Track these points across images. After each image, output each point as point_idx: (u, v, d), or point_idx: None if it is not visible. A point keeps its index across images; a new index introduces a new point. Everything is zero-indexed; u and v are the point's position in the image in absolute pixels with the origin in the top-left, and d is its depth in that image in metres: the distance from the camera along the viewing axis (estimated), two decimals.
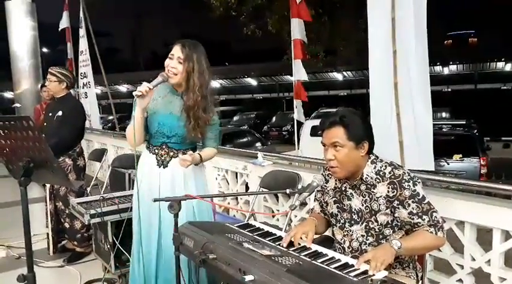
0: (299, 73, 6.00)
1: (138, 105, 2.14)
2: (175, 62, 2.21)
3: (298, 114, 6.21)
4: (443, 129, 9.09)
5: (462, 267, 2.25)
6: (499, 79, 21.69)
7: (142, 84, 2.09)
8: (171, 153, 2.31)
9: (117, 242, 2.94)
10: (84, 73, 7.66)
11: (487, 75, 22.12)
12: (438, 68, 22.09)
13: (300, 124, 8.01)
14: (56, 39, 9.31)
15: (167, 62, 2.22)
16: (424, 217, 1.70)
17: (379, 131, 2.90)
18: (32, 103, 6.20)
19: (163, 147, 2.31)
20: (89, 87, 7.71)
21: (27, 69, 8.37)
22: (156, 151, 2.33)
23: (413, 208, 1.71)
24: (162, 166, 2.32)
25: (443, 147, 7.08)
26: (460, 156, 7.56)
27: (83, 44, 7.79)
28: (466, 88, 22.17)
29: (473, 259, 2.20)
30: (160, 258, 2.33)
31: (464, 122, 10.04)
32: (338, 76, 26.47)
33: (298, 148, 7.87)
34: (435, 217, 1.71)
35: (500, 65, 21.42)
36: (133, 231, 2.46)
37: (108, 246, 3.09)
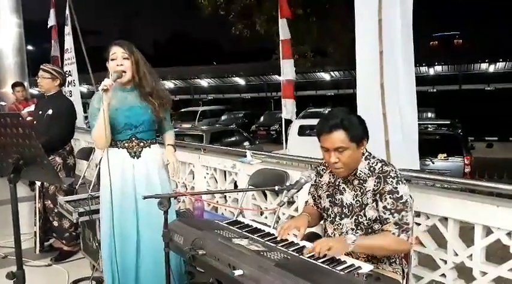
0: (288, 73, 6.06)
1: (104, 100, 2.26)
2: (120, 59, 2.35)
3: (289, 113, 6.26)
4: (429, 129, 9.24)
5: (445, 262, 2.31)
6: (483, 80, 22.07)
7: (105, 80, 2.25)
8: (141, 144, 2.43)
9: None
10: (69, 71, 7.57)
11: (471, 76, 22.49)
12: (424, 69, 22.40)
13: (288, 123, 8.08)
14: (42, 36, 9.18)
15: (112, 63, 2.36)
16: (395, 215, 1.74)
17: None
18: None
19: (133, 139, 2.42)
20: (74, 86, 7.62)
21: (12, 66, 8.30)
22: (126, 144, 2.42)
23: (388, 203, 1.76)
24: (135, 157, 2.42)
25: (428, 147, 7.21)
26: (445, 155, 7.70)
27: (68, 41, 7.70)
28: (450, 89, 22.49)
29: (456, 254, 2.26)
30: (139, 252, 2.41)
31: (449, 122, 10.21)
32: (326, 76, 26.65)
33: (286, 148, 7.92)
34: (405, 218, 1.74)
35: (484, 66, 21.81)
36: (102, 227, 2.49)
37: (97, 244, 3.09)
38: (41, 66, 3.61)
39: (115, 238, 2.38)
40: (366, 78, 2.97)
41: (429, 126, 9.94)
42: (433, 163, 7.60)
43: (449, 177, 2.73)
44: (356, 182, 1.86)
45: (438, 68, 23.00)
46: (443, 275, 2.32)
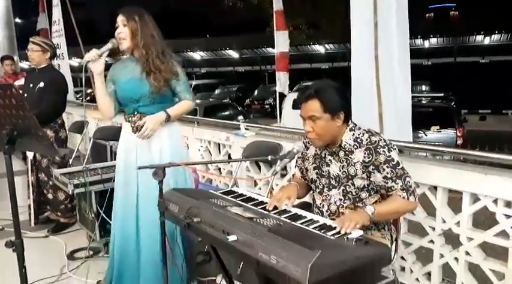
0: (281, 45, 6.01)
1: (93, 71, 2.27)
2: (120, 27, 2.31)
3: (281, 86, 6.25)
4: (422, 102, 9.28)
5: (434, 229, 2.38)
6: (478, 52, 21.96)
7: (91, 51, 2.24)
8: (143, 118, 2.35)
9: (101, 212, 3.00)
10: (58, 44, 7.40)
11: (466, 48, 22.35)
12: (419, 41, 22.21)
13: (282, 97, 8.05)
14: (30, 9, 8.97)
15: (116, 31, 2.32)
16: (397, 181, 1.79)
17: (360, 103, 2.98)
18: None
19: (135, 113, 2.38)
20: (63, 59, 7.47)
21: (1, 40, 8.14)
22: (130, 118, 2.40)
23: (387, 173, 1.79)
24: (137, 131, 2.37)
25: (421, 119, 7.24)
26: (438, 127, 7.76)
27: (57, 13, 7.52)
28: (445, 62, 22.39)
29: (444, 221, 2.33)
30: (140, 221, 2.42)
31: (442, 95, 10.23)
32: (320, 49, 26.38)
33: (280, 121, 7.93)
34: (408, 181, 1.79)
35: (479, 38, 21.66)
36: (114, 199, 2.54)
37: (93, 216, 3.14)
38: (30, 39, 3.56)
39: (118, 209, 2.47)
40: (360, 50, 2.97)
41: (423, 98, 9.97)
42: (426, 135, 7.67)
43: (441, 147, 2.77)
44: (342, 154, 1.88)
45: (433, 41, 22.80)
46: (431, 241, 2.39)
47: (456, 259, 2.29)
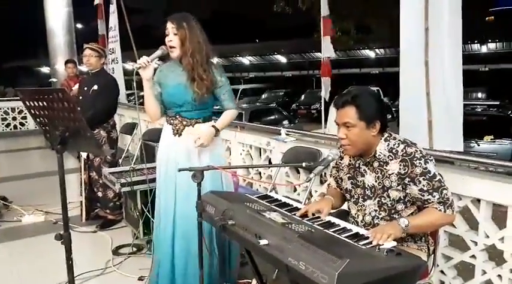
0: (327, 50, 5.99)
1: (142, 77, 2.35)
2: (171, 35, 2.36)
3: (324, 91, 6.22)
4: (477, 109, 8.87)
5: (476, 244, 2.28)
6: None
7: (142, 57, 2.31)
8: (184, 122, 2.46)
9: (145, 210, 3.12)
10: (113, 49, 7.82)
11: None
12: (476, 46, 21.22)
13: (328, 102, 7.99)
14: (90, 15, 9.49)
15: (166, 39, 2.38)
16: (434, 194, 1.73)
17: (409, 110, 2.91)
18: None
19: (177, 116, 2.46)
20: (117, 63, 7.86)
21: (62, 45, 8.66)
22: (171, 121, 2.49)
23: (423, 185, 1.74)
24: (177, 134, 2.46)
25: (474, 128, 6.94)
26: (492, 137, 7.39)
27: (113, 19, 7.92)
28: (504, 68, 21.20)
29: (487, 236, 2.23)
30: (176, 224, 2.48)
31: (498, 103, 9.75)
32: (370, 53, 25.88)
33: (325, 127, 7.85)
34: (445, 194, 1.74)
35: None
36: (156, 199, 2.62)
37: (137, 214, 3.29)
38: (88, 45, 3.79)
39: (159, 210, 2.55)
40: (409, 55, 2.89)
41: (478, 106, 9.55)
42: (478, 145, 7.32)
43: (493, 160, 2.61)
44: (376, 164, 1.85)
45: (491, 45, 21.71)
46: (473, 256, 2.30)
47: (500, 276, 2.18)
